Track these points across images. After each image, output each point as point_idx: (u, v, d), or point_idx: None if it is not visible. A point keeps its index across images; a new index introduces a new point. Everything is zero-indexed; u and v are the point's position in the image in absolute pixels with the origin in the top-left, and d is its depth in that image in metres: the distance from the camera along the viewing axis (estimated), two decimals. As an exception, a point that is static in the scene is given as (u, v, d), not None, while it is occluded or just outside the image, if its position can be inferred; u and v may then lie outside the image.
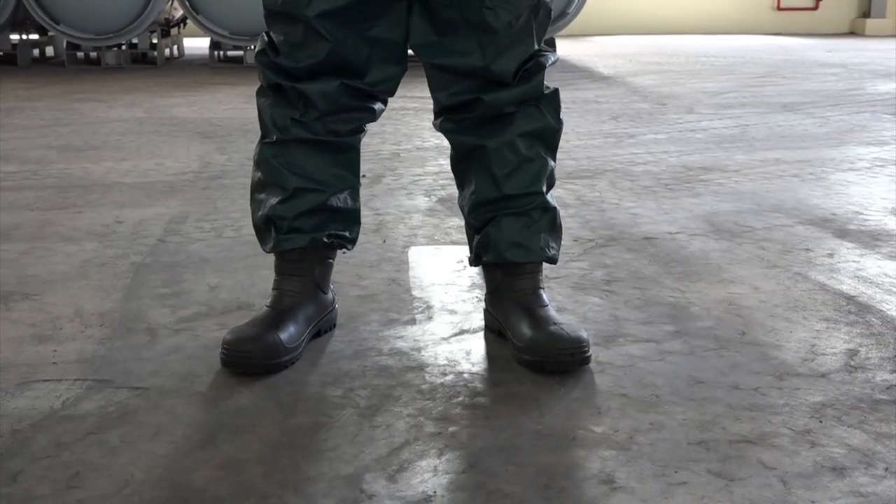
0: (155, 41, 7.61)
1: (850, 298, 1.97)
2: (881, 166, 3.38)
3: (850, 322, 1.84)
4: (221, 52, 7.60)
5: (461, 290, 2.04)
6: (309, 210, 1.66)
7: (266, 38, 1.65)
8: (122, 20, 7.04)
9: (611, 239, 2.44)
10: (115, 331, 1.80)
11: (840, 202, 2.83)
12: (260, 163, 1.68)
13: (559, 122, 1.68)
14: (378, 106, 1.69)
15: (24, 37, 7.90)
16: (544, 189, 1.68)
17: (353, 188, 1.72)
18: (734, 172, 3.28)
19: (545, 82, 1.66)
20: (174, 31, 8.39)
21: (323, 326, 1.76)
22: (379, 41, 1.61)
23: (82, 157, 3.60)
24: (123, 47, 7.41)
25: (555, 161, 1.72)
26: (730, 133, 4.17)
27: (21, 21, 7.47)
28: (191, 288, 2.05)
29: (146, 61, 7.58)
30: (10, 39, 7.59)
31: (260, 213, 1.69)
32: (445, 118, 1.69)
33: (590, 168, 3.38)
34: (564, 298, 1.98)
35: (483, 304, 1.84)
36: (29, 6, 6.99)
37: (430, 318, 1.87)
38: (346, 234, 1.73)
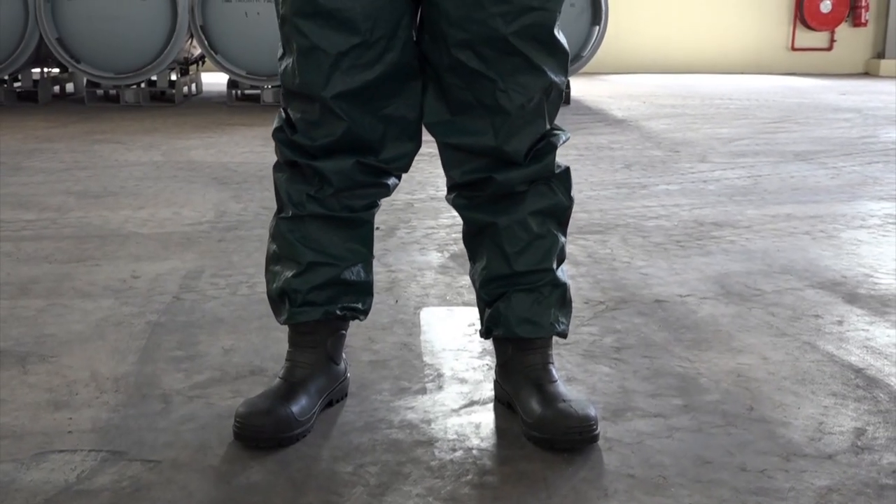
0: (174, 77, 7.72)
1: (858, 371, 1.98)
2: (893, 224, 3.39)
3: (858, 398, 1.85)
4: (239, 91, 7.68)
5: (472, 356, 2.06)
6: (322, 284, 1.69)
7: (283, 114, 1.69)
8: (141, 59, 7.14)
9: (621, 301, 2.46)
10: (130, 397, 1.83)
11: (850, 263, 2.84)
12: (276, 236, 1.71)
13: (570, 200, 1.71)
14: (392, 181, 1.73)
15: (45, 70, 8.01)
16: (554, 266, 1.70)
17: (367, 261, 1.75)
18: (745, 229, 3.30)
19: (556, 161, 1.68)
20: (192, 68, 8.49)
21: (335, 396, 1.78)
22: (394, 119, 1.65)
23: (100, 204, 3.65)
24: (142, 85, 7.50)
25: (565, 236, 1.75)
26: (742, 184, 4.19)
27: (43, 58, 7.58)
28: (205, 350, 2.08)
29: (164, 99, 7.68)
30: (32, 75, 7.70)
31: (274, 285, 1.72)
32: (458, 194, 1.72)
33: (602, 222, 3.41)
34: (574, 367, 2.00)
35: (493, 372, 1.86)
36: (50, 45, 7.09)
37: (440, 388, 1.89)
38: (359, 305, 1.76)
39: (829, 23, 12.24)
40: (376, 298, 2.22)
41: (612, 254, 2.96)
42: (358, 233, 1.72)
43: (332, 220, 1.68)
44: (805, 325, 2.28)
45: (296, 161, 1.65)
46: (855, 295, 2.52)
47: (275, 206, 1.75)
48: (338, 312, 1.72)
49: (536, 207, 1.67)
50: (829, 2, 12.14)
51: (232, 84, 7.53)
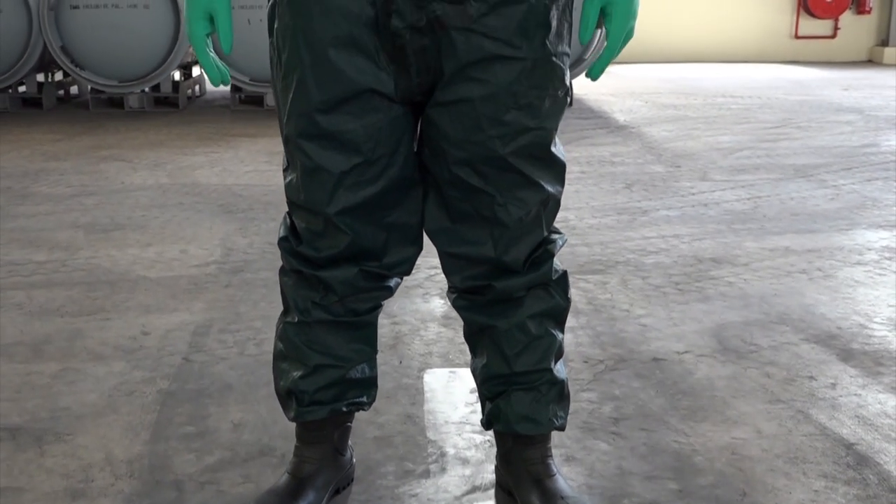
0: (177, 78, 7.74)
1: (849, 447, 2.04)
2: (889, 259, 3.44)
3: (848, 479, 1.91)
4: (242, 95, 7.72)
5: (474, 430, 2.12)
6: (329, 384, 1.75)
7: (288, 221, 1.74)
8: (145, 67, 7.17)
9: (620, 360, 2.52)
10: (144, 484, 1.89)
11: (846, 311, 2.89)
12: (282, 338, 1.77)
13: (567, 301, 1.76)
14: (395, 282, 1.78)
15: (50, 74, 8.04)
16: (552, 364, 1.76)
17: (371, 359, 1.81)
18: (744, 267, 3.35)
19: (554, 265, 1.73)
20: (196, 70, 8.52)
21: (341, 484, 1.85)
22: (396, 226, 1.69)
23: (109, 240, 3.71)
24: (147, 90, 7.53)
25: (563, 333, 1.80)
26: (742, 209, 4.24)
27: (47, 63, 7.61)
28: (215, 426, 2.14)
29: (168, 103, 7.71)
30: (37, 79, 7.73)
31: (282, 383, 1.78)
32: (458, 296, 1.78)
33: (602, 258, 3.46)
34: (573, 443, 2.06)
35: (493, 451, 1.92)
36: (54, 52, 7.13)
37: (443, 469, 1.96)
38: (364, 398, 1.82)
39: (832, 11, 12.21)
40: (381, 358, 2.28)
41: (611, 299, 3.01)
42: (362, 334, 1.77)
43: (337, 324, 1.73)
44: (799, 388, 2.34)
45: (301, 270, 1.70)
46: (849, 351, 2.58)
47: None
48: (343, 409, 1.78)
49: (535, 311, 1.72)
50: (832, -10, 12.11)
51: (235, 88, 7.56)
